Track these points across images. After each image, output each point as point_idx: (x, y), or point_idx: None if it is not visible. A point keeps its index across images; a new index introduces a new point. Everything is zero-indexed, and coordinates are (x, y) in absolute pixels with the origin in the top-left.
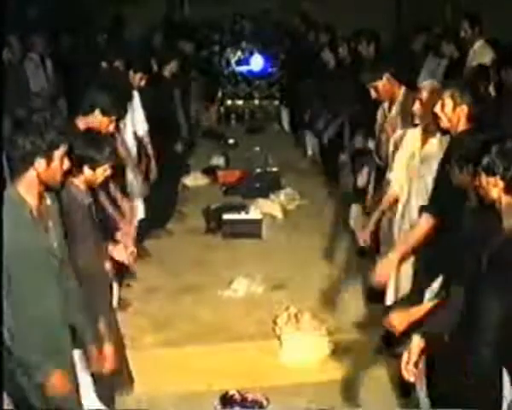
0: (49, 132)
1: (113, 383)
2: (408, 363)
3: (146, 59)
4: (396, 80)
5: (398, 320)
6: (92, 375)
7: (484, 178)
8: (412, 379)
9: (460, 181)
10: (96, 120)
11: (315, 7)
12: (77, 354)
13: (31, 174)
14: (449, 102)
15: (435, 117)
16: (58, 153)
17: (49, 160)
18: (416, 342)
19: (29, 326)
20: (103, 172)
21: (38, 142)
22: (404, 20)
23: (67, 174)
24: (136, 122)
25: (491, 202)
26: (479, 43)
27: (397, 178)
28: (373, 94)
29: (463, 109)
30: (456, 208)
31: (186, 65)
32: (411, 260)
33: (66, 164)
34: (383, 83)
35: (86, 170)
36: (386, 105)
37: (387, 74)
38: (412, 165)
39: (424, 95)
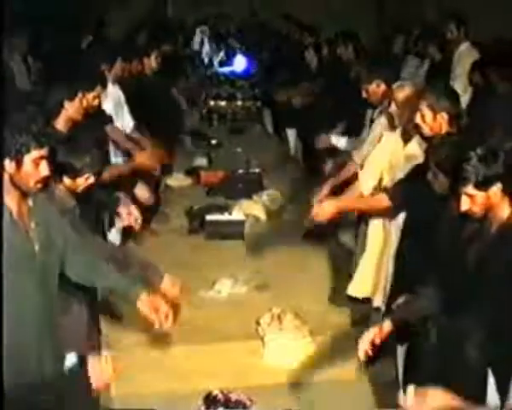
0: (22, 135)
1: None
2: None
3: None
4: (387, 86)
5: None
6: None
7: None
8: (361, 355)
9: (442, 187)
10: (63, 118)
11: (298, 8)
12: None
13: (5, 176)
14: (428, 113)
15: (416, 126)
16: (29, 157)
17: (19, 163)
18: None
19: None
20: (85, 180)
21: (8, 143)
22: (386, 22)
23: (48, 180)
24: (122, 120)
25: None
26: (464, 45)
27: (366, 177)
28: (364, 94)
29: (443, 116)
30: (431, 209)
31: (169, 65)
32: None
33: (45, 170)
34: (372, 87)
35: (65, 179)
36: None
37: (377, 80)
38: (396, 165)
39: (399, 96)
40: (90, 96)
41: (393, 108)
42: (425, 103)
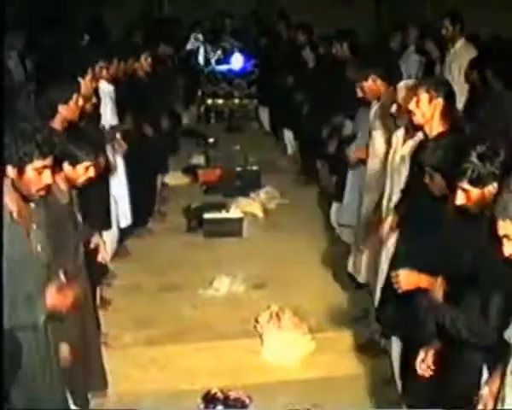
0: (26, 144)
1: (86, 384)
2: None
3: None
4: (383, 81)
5: (406, 279)
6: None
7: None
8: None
9: (437, 188)
10: (59, 119)
11: (295, 6)
12: None
13: (6, 180)
14: (424, 97)
15: (409, 114)
16: (32, 166)
17: (21, 171)
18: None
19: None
20: (84, 170)
21: (12, 151)
22: (383, 20)
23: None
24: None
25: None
26: (460, 43)
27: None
28: (359, 93)
29: (439, 102)
30: (429, 210)
31: (166, 64)
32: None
33: (47, 179)
34: (368, 84)
35: (66, 166)
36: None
37: (373, 76)
38: (394, 163)
39: (401, 95)
40: (87, 80)
41: (394, 108)
42: (423, 88)
